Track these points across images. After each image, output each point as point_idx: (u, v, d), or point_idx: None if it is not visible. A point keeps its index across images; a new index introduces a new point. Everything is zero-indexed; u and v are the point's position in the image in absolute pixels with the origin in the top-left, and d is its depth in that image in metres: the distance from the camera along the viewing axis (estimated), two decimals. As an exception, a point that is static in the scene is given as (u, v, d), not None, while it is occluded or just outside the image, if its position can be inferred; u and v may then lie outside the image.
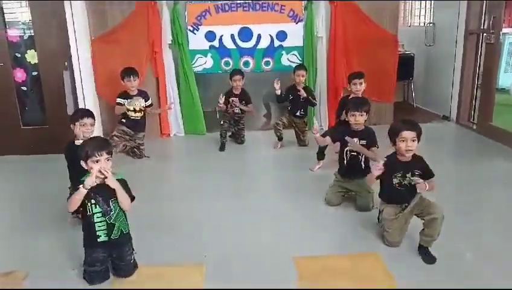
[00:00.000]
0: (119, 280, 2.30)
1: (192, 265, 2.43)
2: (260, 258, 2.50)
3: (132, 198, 2.28)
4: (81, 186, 2.13)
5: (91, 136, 2.78)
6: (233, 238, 2.75)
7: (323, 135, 3.43)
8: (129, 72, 4.24)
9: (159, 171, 4.15)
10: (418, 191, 2.44)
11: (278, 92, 4.54)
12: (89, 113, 2.93)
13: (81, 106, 4.52)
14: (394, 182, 2.47)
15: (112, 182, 2.16)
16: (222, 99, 4.57)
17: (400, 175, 2.45)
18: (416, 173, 2.44)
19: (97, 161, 2.13)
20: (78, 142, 2.76)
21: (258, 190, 3.58)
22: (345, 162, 3.12)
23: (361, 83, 3.86)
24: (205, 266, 2.40)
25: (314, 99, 4.61)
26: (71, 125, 2.86)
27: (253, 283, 2.26)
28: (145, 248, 2.51)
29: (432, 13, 6.58)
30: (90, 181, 2.11)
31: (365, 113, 3.03)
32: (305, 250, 2.57)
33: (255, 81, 4.91)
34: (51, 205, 3.19)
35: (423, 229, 2.43)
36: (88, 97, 4.63)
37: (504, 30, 5.02)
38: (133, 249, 2.36)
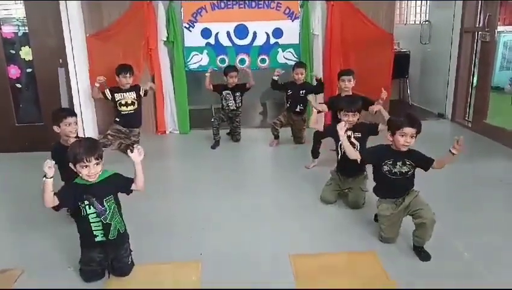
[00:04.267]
0: (116, 277, 2.30)
1: (188, 263, 2.43)
2: (256, 256, 2.50)
3: (130, 191, 2.28)
4: (43, 178, 2.01)
5: (75, 134, 2.77)
6: (229, 236, 2.75)
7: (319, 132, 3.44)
8: (125, 68, 4.22)
9: (154, 169, 4.13)
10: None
11: (276, 78, 4.55)
12: (70, 112, 2.91)
13: (76, 103, 4.50)
14: (384, 170, 2.49)
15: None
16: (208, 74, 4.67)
17: (390, 162, 2.47)
18: (408, 163, 2.46)
19: (86, 166, 2.09)
20: (65, 141, 2.77)
21: (254, 188, 3.59)
22: (339, 156, 3.14)
23: (349, 80, 3.87)
24: (201, 264, 2.40)
25: (319, 87, 4.57)
26: (54, 127, 2.82)
27: (249, 281, 2.26)
28: (141, 246, 2.50)
29: (427, 11, 6.60)
30: (50, 170, 2.01)
31: (358, 113, 3.05)
32: (301, 248, 2.58)
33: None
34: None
35: (415, 230, 2.46)
36: (83, 94, 4.60)
37: (499, 28, 5.04)
38: (130, 250, 2.35)
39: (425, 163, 2.50)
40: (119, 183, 2.26)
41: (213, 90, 4.72)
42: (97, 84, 4.21)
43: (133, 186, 2.27)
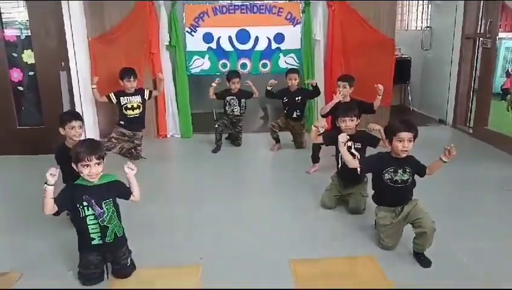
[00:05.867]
0: (116, 281, 2.30)
1: (189, 267, 2.42)
2: (257, 261, 2.50)
3: (129, 195, 2.31)
4: (45, 184, 2.06)
5: (80, 138, 2.77)
6: (230, 240, 2.75)
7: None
8: (128, 72, 4.22)
9: (156, 172, 4.14)
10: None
11: (269, 88, 4.54)
12: (76, 116, 2.91)
13: (77, 106, 4.51)
14: (385, 178, 2.48)
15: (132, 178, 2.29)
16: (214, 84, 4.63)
17: (391, 170, 2.47)
18: (408, 171, 2.46)
19: (87, 166, 2.12)
20: (69, 143, 2.77)
21: (254, 192, 3.59)
22: (340, 166, 3.14)
23: (344, 86, 3.88)
24: (201, 268, 2.39)
25: (315, 91, 4.58)
26: (60, 129, 2.85)
27: (249, 285, 2.25)
28: (142, 250, 2.50)
29: (429, 17, 6.61)
30: (52, 178, 2.06)
31: (355, 118, 3.05)
32: (302, 252, 2.57)
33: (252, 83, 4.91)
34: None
35: (415, 237, 2.45)
36: (85, 98, 4.61)
37: (500, 35, 5.06)
38: (129, 252, 2.35)
39: (420, 170, 2.51)
40: (120, 190, 2.28)
41: (217, 99, 4.72)
42: (93, 86, 4.22)
43: (131, 197, 2.31)
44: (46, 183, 2.06)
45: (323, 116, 4.09)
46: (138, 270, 2.37)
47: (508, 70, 5.72)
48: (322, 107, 4.09)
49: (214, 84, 4.64)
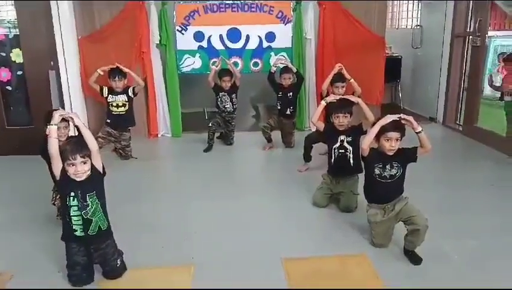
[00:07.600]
0: (107, 281, 2.28)
1: (180, 267, 2.41)
2: (249, 260, 2.49)
3: (104, 173, 2.26)
4: (48, 125, 2.16)
5: (65, 139, 2.74)
6: (221, 239, 2.74)
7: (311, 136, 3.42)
8: (115, 72, 4.20)
9: (147, 172, 4.12)
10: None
11: (274, 68, 4.61)
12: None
13: (67, 105, 4.47)
14: (375, 173, 2.50)
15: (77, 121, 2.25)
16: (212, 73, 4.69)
17: (380, 166, 2.49)
18: (395, 165, 2.47)
19: (72, 164, 2.10)
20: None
21: (246, 191, 3.58)
22: (333, 160, 3.14)
23: (343, 87, 3.90)
24: (193, 268, 2.38)
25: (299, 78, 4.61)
26: (45, 128, 2.80)
27: (241, 284, 2.25)
28: (133, 250, 2.48)
29: (419, 16, 6.65)
30: (58, 117, 2.20)
31: (349, 115, 3.06)
32: (293, 251, 2.58)
33: (243, 82, 4.90)
34: (36, 205, 3.15)
35: (407, 234, 2.46)
36: (74, 97, 4.57)
37: (490, 33, 5.10)
38: (119, 253, 2.34)
39: (411, 154, 2.51)
40: (95, 172, 2.22)
41: (212, 88, 4.69)
42: (101, 72, 4.16)
43: (93, 157, 2.21)
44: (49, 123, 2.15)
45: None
46: (130, 270, 2.35)
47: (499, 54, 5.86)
48: (313, 114, 4.06)
49: (215, 67, 4.73)
